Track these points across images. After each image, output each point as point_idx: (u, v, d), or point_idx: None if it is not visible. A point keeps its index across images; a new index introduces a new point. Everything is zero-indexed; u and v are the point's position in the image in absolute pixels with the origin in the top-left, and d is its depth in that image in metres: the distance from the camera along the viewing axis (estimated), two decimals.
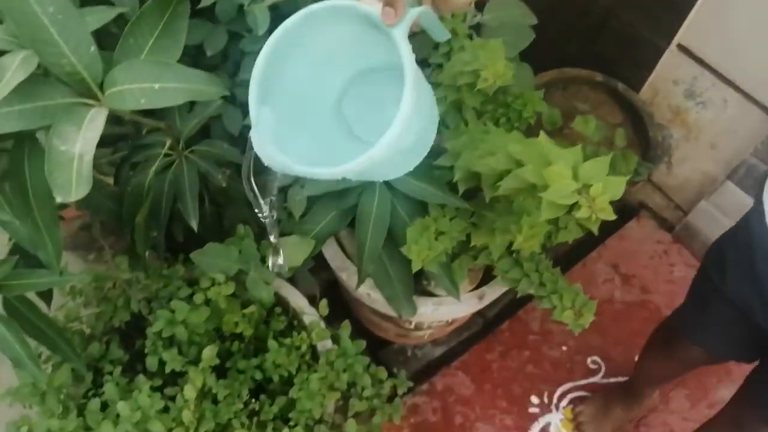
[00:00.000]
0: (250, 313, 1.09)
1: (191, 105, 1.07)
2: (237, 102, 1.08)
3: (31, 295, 0.91)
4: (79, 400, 1.02)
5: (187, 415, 0.95)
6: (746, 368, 1.11)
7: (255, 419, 1.05)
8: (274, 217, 0.85)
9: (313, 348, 1.12)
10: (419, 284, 1.21)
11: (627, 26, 1.64)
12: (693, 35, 1.50)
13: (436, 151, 0.99)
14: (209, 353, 1.00)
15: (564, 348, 1.67)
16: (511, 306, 1.70)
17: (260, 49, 0.72)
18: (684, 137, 1.67)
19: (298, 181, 1.05)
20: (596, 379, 1.64)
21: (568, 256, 1.78)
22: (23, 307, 0.88)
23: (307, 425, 1.05)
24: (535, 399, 1.61)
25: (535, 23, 1.07)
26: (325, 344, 1.13)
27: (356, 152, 0.70)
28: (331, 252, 1.21)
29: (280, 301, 1.18)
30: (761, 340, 1.01)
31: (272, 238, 0.90)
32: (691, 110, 1.61)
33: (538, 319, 1.70)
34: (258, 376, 1.08)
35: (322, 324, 1.14)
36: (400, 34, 0.68)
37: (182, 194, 1.04)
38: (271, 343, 1.07)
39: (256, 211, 0.82)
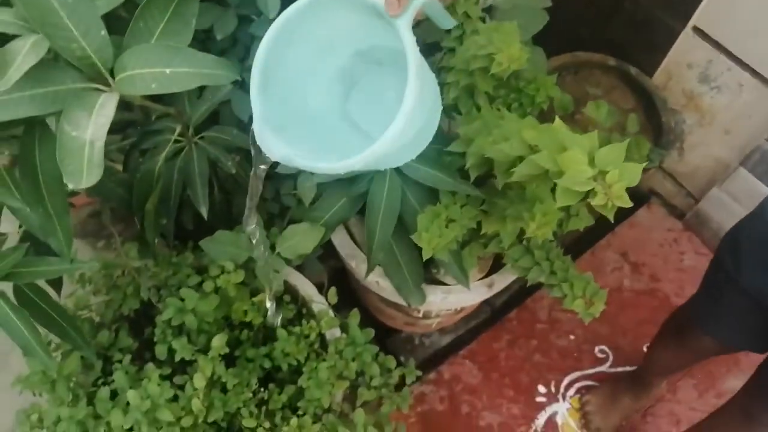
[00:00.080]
0: (259, 302, 1.08)
1: (200, 90, 1.06)
2: (246, 87, 1.06)
3: (41, 283, 0.91)
4: (88, 388, 1.02)
5: (196, 404, 0.95)
6: (755, 358, 1.10)
7: (263, 408, 1.04)
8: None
9: (321, 336, 1.12)
10: (428, 272, 1.20)
11: (641, 8, 1.62)
12: (709, 17, 1.47)
13: (447, 137, 0.98)
14: (219, 342, 0.99)
15: (572, 337, 1.66)
16: (519, 294, 1.70)
17: None
18: (697, 123, 1.65)
19: None
20: (604, 368, 1.63)
21: (578, 244, 1.77)
22: (34, 294, 0.88)
23: (315, 414, 1.04)
24: (542, 388, 1.61)
25: (549, 5, 1.05)
26: (333, 333, 1.13)
27: (358, 141, 0.70)
28: (340, 239, 1.21)
29: (288, 289, 1.17)
30: None
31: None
32: (705, 95, 1.59)
33: (546, 307, 1.69)
34: (267, 364, 1.07)
35: (331, 312, 1.14)
36: (404, 25, 0.67)
37: (192, 181, 1.03)
38: (280, 332, 1.07)
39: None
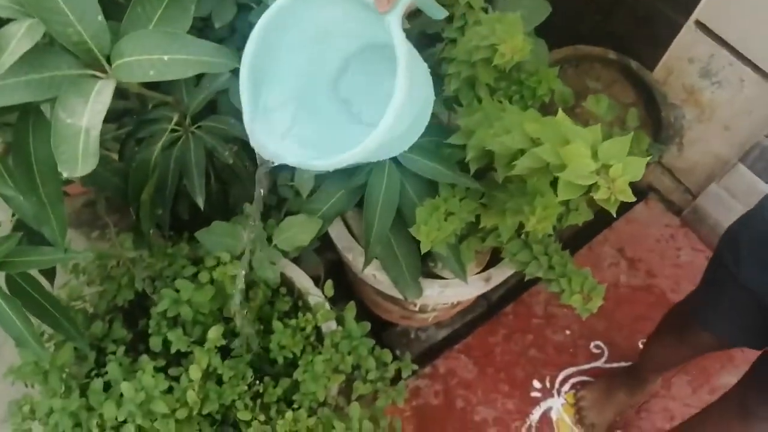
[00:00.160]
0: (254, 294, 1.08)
1: (198, 79, 1.05)
2: None
3: (35, 273, 0.90)
4: (81, 379, 1.01)
5: (191, 396, 0.94)
6: (749, 354, 1.10)
7: (259, 401, 1.04)
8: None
9: (317, 329, 1.11)
10: (425, 266, 1.19)
11: (643, 2, 1.61)
12: (712, 11, 1.46)
13: (447, 129, 0.97)
14: (215, 333, 0.99)
15: (567, 332, 1.66)
16: (516, 289, 1.69)
17: None
18: (697, 118, 1.64)
19: None
20: (599, 363, 1.63)
21: (575, 239, 1.77)
22: (26, 284, 0.87)
23: (310, 408, 1.04)
24: (537, 383, 1.60)
25: None
26: (329, 326, 1.12)
27: (353, 131, 0.70)
28: (337, 231, 1.20)
29: (285, 281, 1.16)
30: None
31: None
32: (706, 90, 1.58)
33: (542, 302, 1.69)
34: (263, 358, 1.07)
35: (327, 305, 1.13)
36: (394, 21, 0.68)
37: (188, 171, 1.02)
38: (276, 324, 1.06)
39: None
